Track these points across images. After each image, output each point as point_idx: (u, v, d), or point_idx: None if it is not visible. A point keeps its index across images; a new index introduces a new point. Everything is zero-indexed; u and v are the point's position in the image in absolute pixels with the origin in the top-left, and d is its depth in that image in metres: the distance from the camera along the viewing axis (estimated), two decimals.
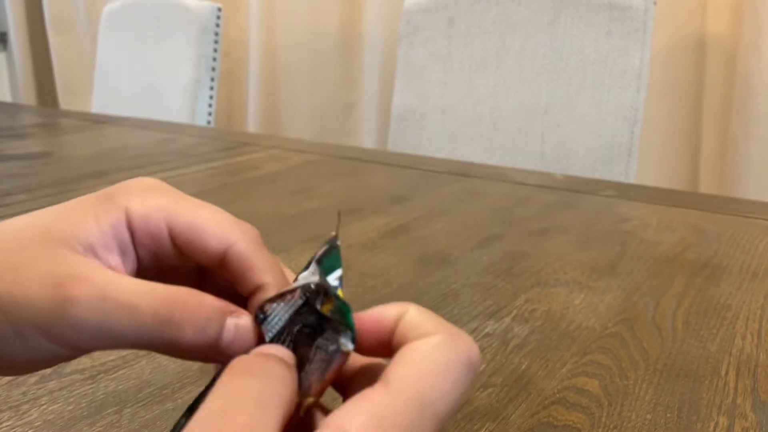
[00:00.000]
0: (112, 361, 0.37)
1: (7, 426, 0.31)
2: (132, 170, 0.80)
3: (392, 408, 0.15)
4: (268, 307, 0.19)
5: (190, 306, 0.18)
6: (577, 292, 0.47)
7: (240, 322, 0.18)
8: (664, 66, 1.24)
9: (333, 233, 0.20)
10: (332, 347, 0.18)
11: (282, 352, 0.18)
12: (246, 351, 0.18)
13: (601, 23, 0.98)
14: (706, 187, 1.28)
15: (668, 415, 0.33)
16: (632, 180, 0.96)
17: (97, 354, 0.38)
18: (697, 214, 0.66)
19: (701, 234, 0.60)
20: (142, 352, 0.38)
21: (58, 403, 0.33)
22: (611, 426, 0.32)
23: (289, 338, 0.18)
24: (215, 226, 0.20)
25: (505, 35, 1.06)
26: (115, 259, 0.19)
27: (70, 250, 0.18)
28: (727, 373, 0.37)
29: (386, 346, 0.17)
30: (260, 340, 0.19)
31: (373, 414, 0.14)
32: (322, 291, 0.18)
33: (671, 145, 1.29)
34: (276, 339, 0.19)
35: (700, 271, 0.51)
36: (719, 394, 0.35)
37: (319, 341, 0.18)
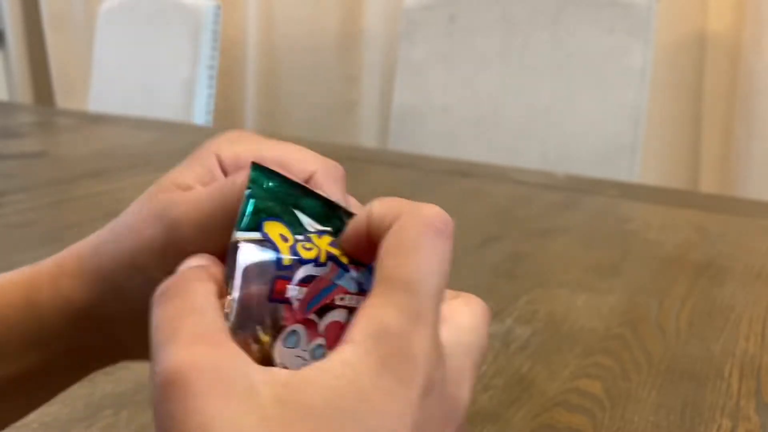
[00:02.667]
0: None
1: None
2: (130, 169, 0.80)
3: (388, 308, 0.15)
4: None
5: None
6: (580, 293, 0.47)
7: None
8: (667, 64, 1.24)
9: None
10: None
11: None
12: None
13: (603, 21, 0.98)
14: (708, 185, 1.28)
15: (671, 417, 0.33)
16: (636, 179, 0.96)
17: None
18: (700, 215, 0.66)
19: (705, 234, 0.60)
20: None
21: (55, 405, 0.33)
22: (614, 428, 0.32)
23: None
24: (299, 158, 0.22)
25: (507, 33, 1.05)
26: None
27: (172, 191, 0.21)
28: (730, 374, 0.36)
29: (372, 251, 0.17)
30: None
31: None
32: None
33: (674, 144, 1.29)
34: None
35: (704, 272, 0.51)
36: (722, 396, 0.34)
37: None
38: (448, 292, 0.18)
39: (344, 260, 0.18)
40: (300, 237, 0.18)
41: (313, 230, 0.19)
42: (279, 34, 1.73)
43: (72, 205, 0.67)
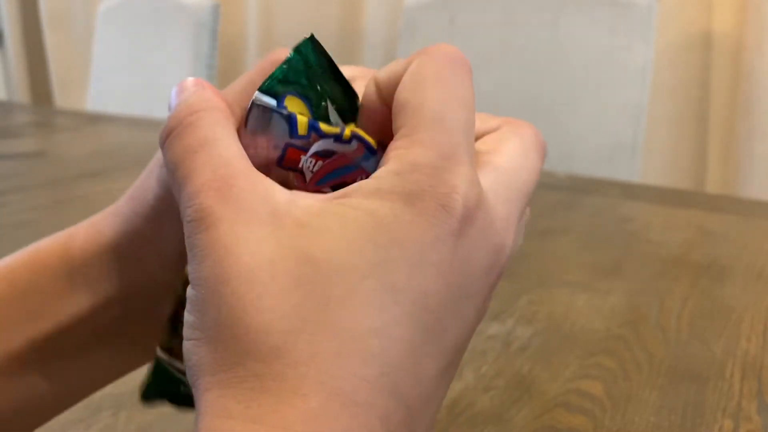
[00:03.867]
0: None
1: None
2: (128, 169, 0.80)
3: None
4: None
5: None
6: (581, 293, 0.47)
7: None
8: (669, 64, 1.24)
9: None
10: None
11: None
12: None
13: (604, 20, 0.98)
14: (710, 185, 1.28)
15: (672, 418, 0.32)
16: (637, 179, 0.96)
17: None
18: (701, 215, 0.66)
19: (706, 234, 0.60)
20: None
21: None
22: (615, 429, 0.32)
23: None
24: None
25: (508, 32, 1.05)
26: None
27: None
28: (732, 375, 0.36)
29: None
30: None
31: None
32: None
33: (676, 143, 1.29)
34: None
35: (705, 272, 0.51)
36: (724, 396, 0.34)
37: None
38: (489, 117, 0.17)
39: (372, 142, 0.16)
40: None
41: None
42: (278, 33, 1.72)
43: (70, 205, 0.67)
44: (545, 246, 0.56)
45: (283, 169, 0.16)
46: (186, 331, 0.14)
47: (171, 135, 0.16)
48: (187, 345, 0.14)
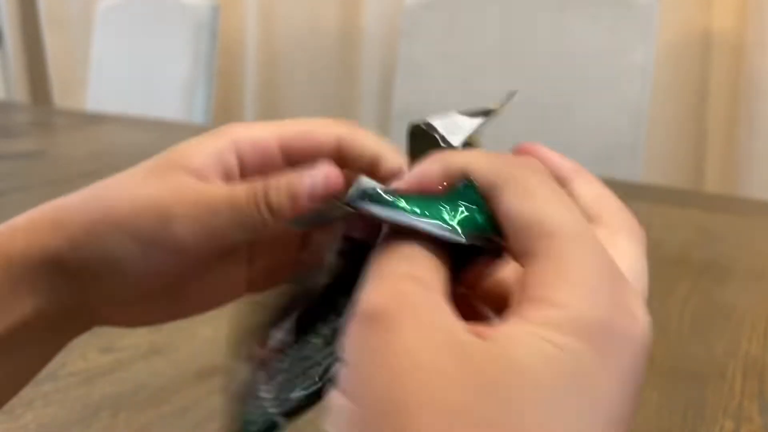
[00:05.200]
0: (108, 364, 0.37)
1: (1, 429, 0.31)
2: (127, 169, 0.79)
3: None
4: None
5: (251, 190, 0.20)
6: None
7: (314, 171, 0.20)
8: (671, 64, 1.24)
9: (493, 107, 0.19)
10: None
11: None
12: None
13: (605, 19, 0.98)
14: (711, 185, 1.28)
15: (673, 418, 0.32)
16: (638, 178, 0.96)
17: (91, 356, 0.37)
18: (702, 214, 0.66)
19: (707, 234, 0.60)
20: (137, 355, 0.38)
21: (53, 406, 0.33)
22: None
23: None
24: (321, 125, 0.22)
25: (508, 32, 1.05)
26: (217, 181, 0.21)
27: (177, 175, 0.21)
28: (733, 375, 0.36)
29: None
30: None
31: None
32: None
33: (677, 144, 1.29)
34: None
35: (706, 272, 0.51)
36: (725, 397, 0.34)
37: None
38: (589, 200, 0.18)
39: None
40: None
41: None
42: (278, 33, 1.72)
43: None
44: None
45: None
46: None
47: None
48: None
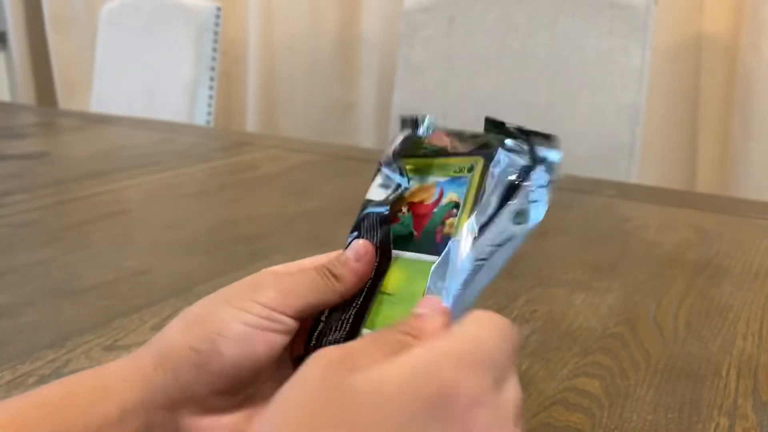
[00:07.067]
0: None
1: None
2: (130, 170, 0.80)
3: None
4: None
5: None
6: (578, 292, 0.47)
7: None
8: (665, 66, 1.24)
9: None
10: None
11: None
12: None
13: (602, 22, 0.98)
14: (706, 186, 1.28)
15: (669, 415, 0.33)
16: (634, 179, 0.96)
17: (95, 356, 0.38)
18: (698, 214, 0.66)
19: (702, 234, 0.60)
20: None
21: None
22: (612, 427, 0.32)
23: None
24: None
25: (506, 34, 1.05)
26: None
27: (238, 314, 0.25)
28: (728, 373, 0.37)
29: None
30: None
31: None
32: None
33: (671, 145, 1.29)
34: None
35: (702, 272, 0.51)
36: (720, 394, 0.35)
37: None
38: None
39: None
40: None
41: None
42: (279, 35, 1.73)
43: (74, 206, 0.67)
44: (543, 246, 0.56)
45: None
46: None
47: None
48: None
